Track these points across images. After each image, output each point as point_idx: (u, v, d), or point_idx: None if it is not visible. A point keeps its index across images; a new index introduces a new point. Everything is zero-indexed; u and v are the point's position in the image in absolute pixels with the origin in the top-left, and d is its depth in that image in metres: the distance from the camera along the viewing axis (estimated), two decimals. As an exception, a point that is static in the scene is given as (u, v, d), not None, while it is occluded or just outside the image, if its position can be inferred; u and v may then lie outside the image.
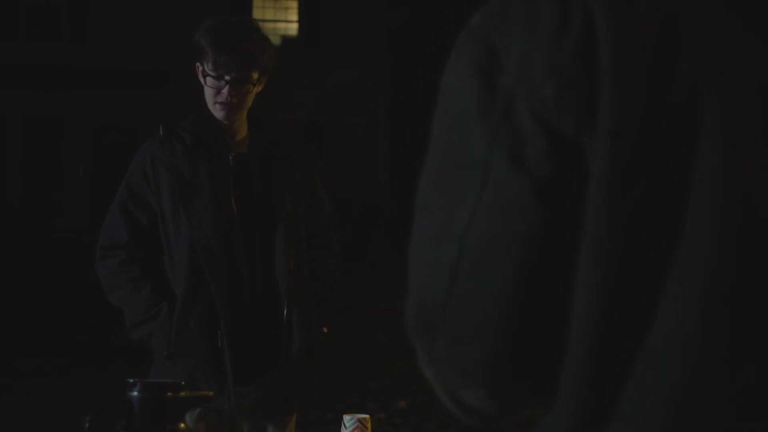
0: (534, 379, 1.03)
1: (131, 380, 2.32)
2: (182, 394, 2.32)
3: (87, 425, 2.30)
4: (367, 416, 2.84)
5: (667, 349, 0.98)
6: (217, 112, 3.49)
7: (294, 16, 25.31)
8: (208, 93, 3.49)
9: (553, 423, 1.03)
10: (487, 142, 1.02)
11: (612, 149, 0.98)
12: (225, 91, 3.44)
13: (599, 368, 1.00)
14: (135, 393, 2.29)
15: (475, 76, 1.03)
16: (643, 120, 0.99)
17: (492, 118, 1.02)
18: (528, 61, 1.01)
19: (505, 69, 1.02)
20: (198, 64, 3.48)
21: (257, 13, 24.60)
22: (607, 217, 0.99)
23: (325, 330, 3.59)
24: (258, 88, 3.51)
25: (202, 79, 3.49)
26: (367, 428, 2.81)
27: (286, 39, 25.01)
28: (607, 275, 0.99)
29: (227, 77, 3.43)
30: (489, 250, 1.01)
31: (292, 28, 25.32)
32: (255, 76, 3.46)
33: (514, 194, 1.00)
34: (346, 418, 2.82)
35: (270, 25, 24.62)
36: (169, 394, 2.30)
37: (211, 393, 2.69)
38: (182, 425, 2.30)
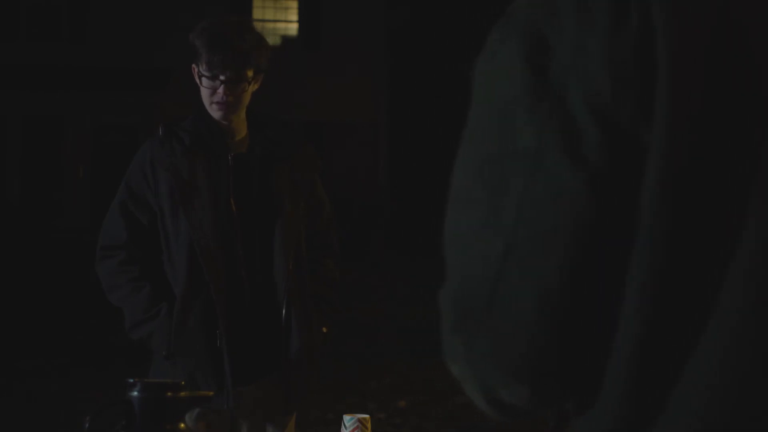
0: (577, 377, 1.01)
1: (131, 380, 2.32)
2: (182, 394, 2.32)
3: (87, 425, 2.30)
4: (367, 416, 2.84)
5: (717, 350, 0.96)
6: (214, 112, 3.49)
7: (294, 16, 25.31)
8: (204, 93, 3.49)
9: (594, 422, 1.01)
10: (537, 131, 0.99)
11: (667, 144, 0.96)
12: (220, 90, 3.44)
13: (645, 367, 0.98)
14: (135, 393, 2.29)
15: (523, 65, 1.00)
16: (700, 115, 0.97)
17: (543, 108, 0.99)
18: (582, 51, 0.98)
19: (556, 59, 0.99)
20: (193, 65, 3.49)
21: (257, 13, 24.60)
22: (661, 212, 0.96)
23: (324, 330, 3.59)
24: (254, 87, 3.51)
25: (197, 80, 3.49)
26: (367, 428, 2.80)
27: (286, 39, 25.01)
28: (659, 273, 0.97)
29: (222, 77, 3.43)
30: (539, 243, 0.98)
31: (292, 28, 25.32)
32: (250, 74, 3.46)
33: (567, 185, 0.97)
34: (346, 418, 2.82)
35: (270, 25, 24.62)
36: (169, 394, 2.30)
37: (211, 393, 2.69)
38: (182, 425, 2.31)
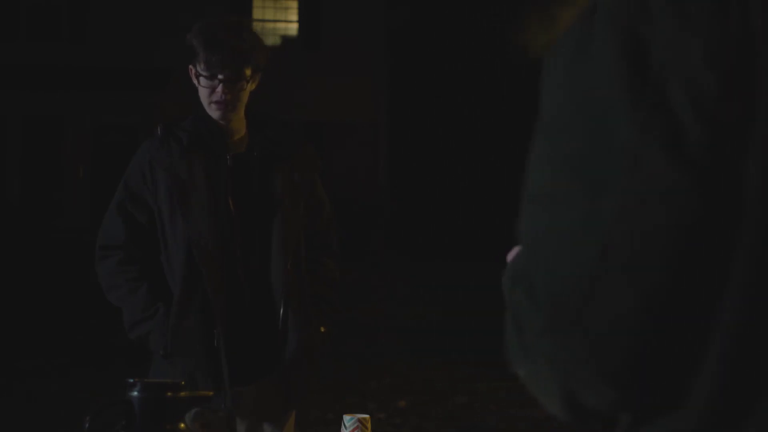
0: (670, 378, 0.98)
1: (131, 380, 2.32)
2: (182, 394, 2.33)
3: (87, 425, 2.30)
4: (367, 416, 2.83)
5: None
6: (213, 112, 3.49)
7: (294, 16, 25.30)
8: (203, 93, 3.49)
9: (677, 423, 0.99)
10: (638, 129, 0.96)
11: None
12: (219, 90, 3.44)
13: (742, 366, 0.96)
14: (135, 393, 2.30)
15: (618, 60, 0.98)
16: None
17: (644, 106, 0.96)
18: (682, 47, 0.96)
19: (653, 54, 0.97)
20: (191, 66, 3.49)
21: (257, 13, 24.59)
22: (765, 210, 0.94)
23: (322, 329, 3.59)
24: (252, 86, 3.51)
25: (195, 81, 3.49)
26: (367, 428, 2.80)
27: (286, 39, 25.00)
28: (762, 271, 0.94)
29: (220, 76, 3.43)
30: (640, 243, 0.96)
31: (292, 28, 25.31)
32: (248, 73, 3.46)
33: (670, 184, 0.95)
34: (346, 418, 2.82)
35: (270, 25, 24.61)
36: (169, 394, 2.31)
37: (211, 393, 2.69)
38: (182, 425, 2.31)
